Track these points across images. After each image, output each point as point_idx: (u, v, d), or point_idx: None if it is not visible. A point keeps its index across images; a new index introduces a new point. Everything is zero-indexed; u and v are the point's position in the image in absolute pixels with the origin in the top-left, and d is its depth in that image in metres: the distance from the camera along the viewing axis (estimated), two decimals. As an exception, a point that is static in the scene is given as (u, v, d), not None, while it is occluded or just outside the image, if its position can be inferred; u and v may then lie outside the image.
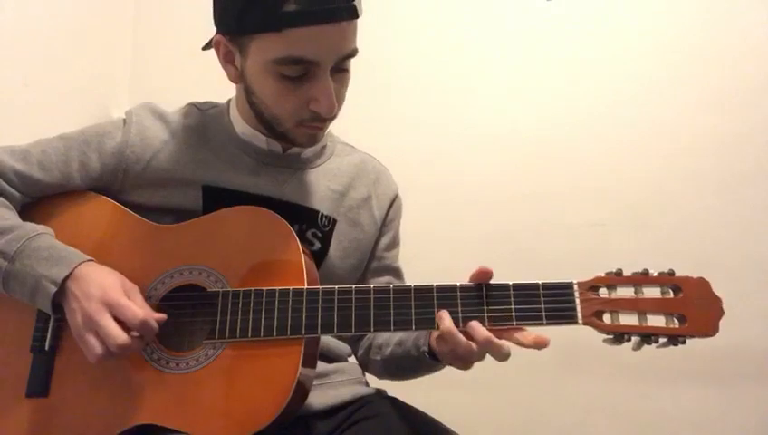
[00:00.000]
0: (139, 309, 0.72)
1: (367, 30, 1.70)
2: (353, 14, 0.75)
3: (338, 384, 0.88)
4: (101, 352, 0.71)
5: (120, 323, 0.71)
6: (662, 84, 1.52)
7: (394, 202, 0.99)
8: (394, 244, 1.00)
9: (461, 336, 0.70)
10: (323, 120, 0.81)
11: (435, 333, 0.79)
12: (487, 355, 0.71)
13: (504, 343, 0.69)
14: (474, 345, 0.69)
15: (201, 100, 0.93)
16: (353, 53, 0.79)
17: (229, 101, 0.91)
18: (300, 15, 0.71)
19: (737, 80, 1.47)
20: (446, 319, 0.71)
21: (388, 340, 0.92)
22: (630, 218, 1.48)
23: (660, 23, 1.54)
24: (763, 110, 1.44)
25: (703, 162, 1.47)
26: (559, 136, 1.56)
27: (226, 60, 0.81)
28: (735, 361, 1.37)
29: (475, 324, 0.70)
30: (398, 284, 0.95)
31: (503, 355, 0.69)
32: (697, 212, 1.45)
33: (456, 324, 0.72)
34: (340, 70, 0.79)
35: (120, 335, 0.70)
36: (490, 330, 0.70)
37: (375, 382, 0.96)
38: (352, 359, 0.97)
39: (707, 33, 1.50)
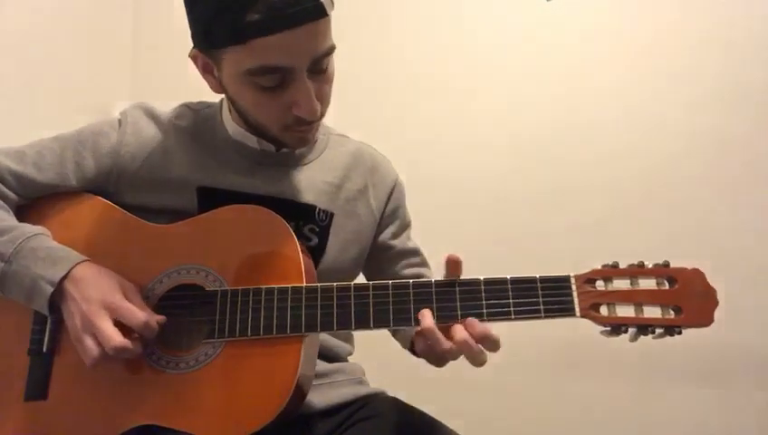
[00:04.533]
0: (139, 311, 0.72)
1: (367, 29, 1.72)
2: (320, 12, 0.71)
3: (338, 384, 0.88)
4: (98, 354, 0.70)
5: (120, 325, 0.71)
6: (662, 83, 1.53)
7: (393, 190, 0.98)
8: (402, 229, 0.99)
9: (440, 335, 0.70)
10: (309, 122, 0.79)
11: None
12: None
13: (480, 348, 0.69)
14: (450, 345, 0.69)
15: (202, 100, 0.93)
16: (329, 51, 0.76)
17: (221, 101, 0.91)
18: (264, 24, 0.69)
19: (738, 78, 1.47)
20: (427, 317, 0.71)
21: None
22: (630, 217, 1.49)
23: (661, 22, 1.55)
24: (763, 109, 1.46)
25: (703, 161, 1.47)
26: (559, 135, 1.57)
27: (206, 71, 0.81)
28: (735, 361, 1.38)
29: (458, 326, 0.70)
30: (417, 262, 0.97)
31: (479, 361, 0.69)
32: (697, 212, 1.46)
33: (455, 320, 0.73)
34: (318, 70, 0.76)
35: (116, 338, 0.69)
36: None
37: (375, 382, 0.96)
38: (352, 358, 0.97)
39: (708, 33, 1.51)
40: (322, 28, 0.73)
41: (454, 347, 0.69)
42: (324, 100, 0.80)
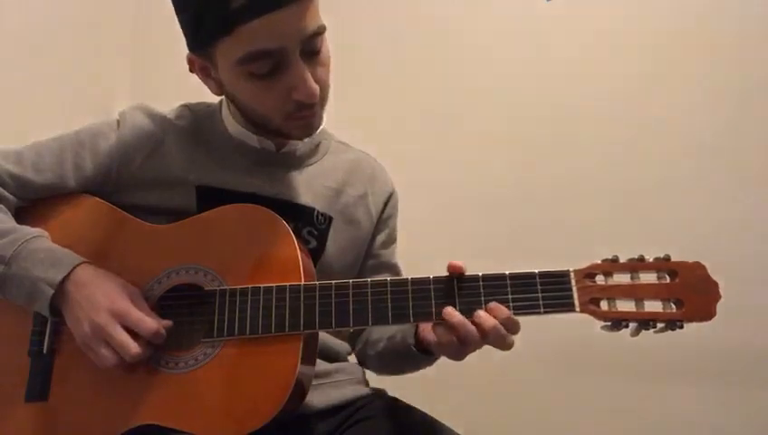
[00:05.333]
0: (149, 319, 0.72)
1: (367, 29, 1.72)
2: None
3: (338, 384, 0.87)
4: (116, 362, 0.71)
5: (129, 330, 0.72)
6: (662, 83, 1.52)
7: (390, 199, 0.99)
8: (390, 241, 1.00)
9: (471, 326, 0.70)
10: (310, 106, 0.78)
11: (425, 327, 0.79)
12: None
13: (506, 331, 0.69)
14: (479, 334, 0.69)
15: (202, 100, 0.93)
16: (318, 30, 0.74)
17: (221, 101, 0.91)
18: (247, 9, 0.68)
19: (738, 78, 1.47)
20: (455, 313, 0.71)
21: (381, 335, 0.92)
22: (629, 214, 1.48)
23: (660, 22, 1.54)
24: (763, 108, 1.45)
25: (702, 159, 1.47)
26: (558, 134, 1.57)
27: (204, 74, 0.81)
28: (735, 361, 1.37)
29: (482, 313, 0.70)
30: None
31: (507, 344, 0.70)
32: (697, 212, 1.45)
33: None
34: (311, 52, 0.75)
35: (134, 347, 0.71)
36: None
37: (375, 382, 0.96)
38: (353, 358, 0.97)
39: (707, 33, 1.50)
40: (308, 7, 0.73)
41: (486, 335, 0.69)
42: (322, 83, 0.78)
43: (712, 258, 0.73)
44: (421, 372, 0.90)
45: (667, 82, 1.52)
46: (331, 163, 0.94)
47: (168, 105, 0.91)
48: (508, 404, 1.46)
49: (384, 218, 0.98)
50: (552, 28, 1.62)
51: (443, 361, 0.81)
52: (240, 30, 0.70)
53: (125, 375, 0.74)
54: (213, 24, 0.71)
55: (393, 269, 1.00)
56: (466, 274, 0.73)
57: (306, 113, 0.79)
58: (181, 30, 0.77)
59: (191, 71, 0.82)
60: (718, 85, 1.48)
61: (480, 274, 0.73)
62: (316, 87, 0.76)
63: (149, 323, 0.72)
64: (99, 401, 0.75)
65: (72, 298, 0.73)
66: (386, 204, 0.98)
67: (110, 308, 0.72)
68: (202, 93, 0.87)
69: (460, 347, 0.71)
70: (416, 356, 0.83)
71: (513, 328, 0.70)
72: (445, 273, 0.74)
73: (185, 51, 0.79)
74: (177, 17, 0.76)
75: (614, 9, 1.59)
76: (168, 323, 0.74)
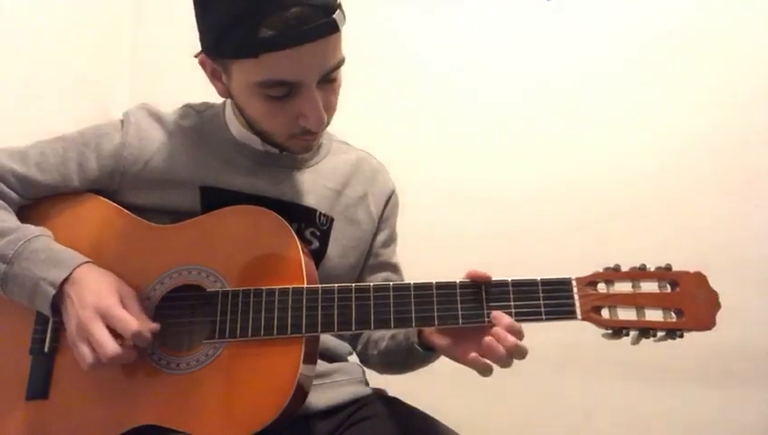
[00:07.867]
0: (132, 320, 0.71)
1: (367, 29, 1.72)
2: (332, 28, 0.72)
3: (338, 384, 0.88)
4: (92, 361, 0.70)
5: (114, 331, 0.71)
6: (662, 84, 1.53)
7: (390, 199, 1.00)
8: (390, 240, 1.00)
9: (457, 352, 0.73)
10: (314, 132, 0.81)
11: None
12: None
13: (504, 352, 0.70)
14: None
15: (202, 100, 0.93)
16: (339, 64, 0.77)
17: (224, 102, 0.91)
18: (276, 40, 0.69)
19: (737, 79, 1.48)
20: (501, 331, 0.70)
21: (383, 334, 0.93)
22: (630, 219, 1.49)
23: (660, 22, 1.55)
24: (763, 110, 1.45)
25: (703, 162, 1.48)
26: (559, 135, 1.57)
27: (214, 76, 0.81)
28: (735, 361, 1.38)
29: (502, 333, 0.70)
30: (396, 279, 0.95)
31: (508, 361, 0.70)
32: (697, 213, 1.46)
33: (456, 322, 0.73)
34: (327, 81, 0.77)
35: (110, 346, 0.69)
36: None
37: (375, 383, 0.97)
38: (353, 358, 0.97)
39: (707, 33, 1.51)
40: (333, 44, 0.74)
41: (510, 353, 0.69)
42: (330, 109, 0.80)
43: (713, 257, 0.73)
44: (422, 371, 0.91)
45: (670, 84, 1.52)
46: (332, 164, 0.95)
47: (168, 105, 0.91)
48: (508, 404, 1.47)
49: (384, 218, 0.99)
50: (552, 28, 1.61)
51: (444, 361, 0.81)
52: (264, 57, 0.70)
53: (126, 375, 0.75)
54: (238, 43, 0.71)
55: (393, 268, 1.00)
56: (469, 280, 0.74)
57: (309, 137, 0.82)
58: (198, 29, 0.77)
59: (198, 60, 0.81)
60: (721, 87, 1.49)
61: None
62: (324, 117, 0.78)
63: (131, 323, 0.70)
64: (99, 401, 0.75)
65: (69, 297, 0.73)
66: (386, 204, 0.99)
67: (95, 305, 0.71)
68: (202, 94, 0.86)
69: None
70: (420, 354, 0.84)
71: (517, 336, 0.70)
72: (445, 276, 0.74)
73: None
74: (198, 19, 0.76)
75: (614, 8, 1.59)
76: (155, 326, 0.73)
